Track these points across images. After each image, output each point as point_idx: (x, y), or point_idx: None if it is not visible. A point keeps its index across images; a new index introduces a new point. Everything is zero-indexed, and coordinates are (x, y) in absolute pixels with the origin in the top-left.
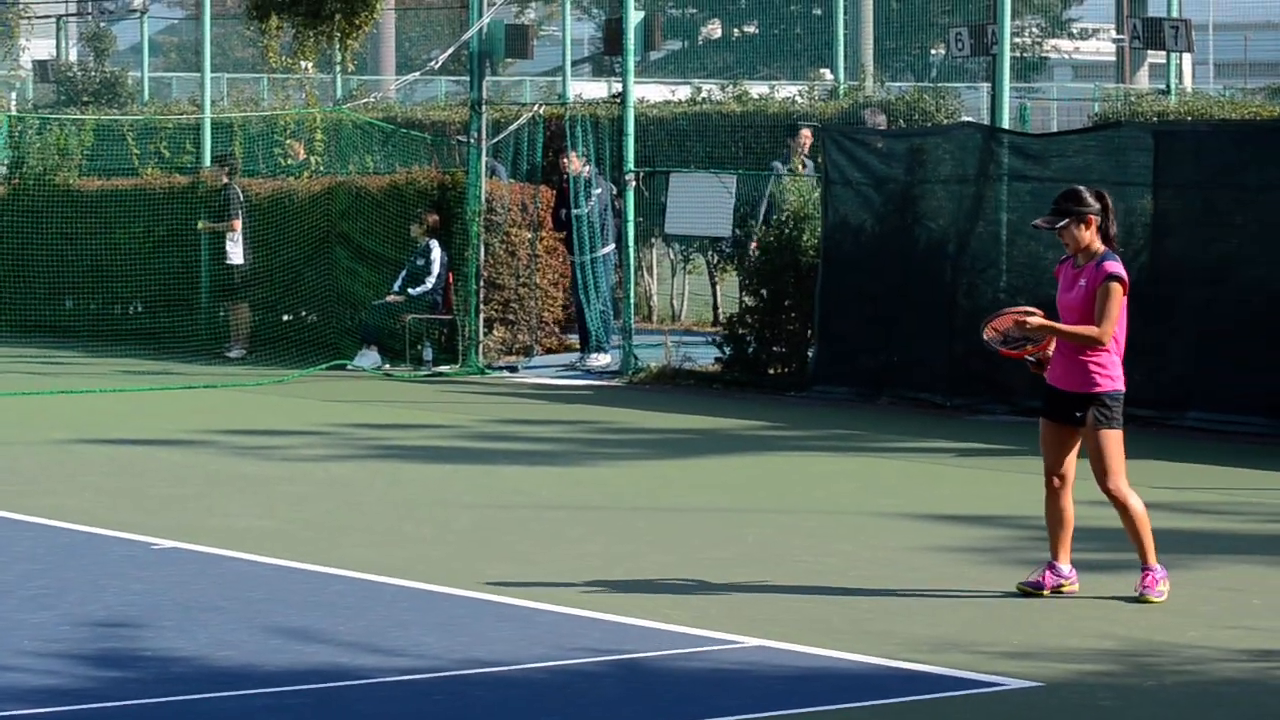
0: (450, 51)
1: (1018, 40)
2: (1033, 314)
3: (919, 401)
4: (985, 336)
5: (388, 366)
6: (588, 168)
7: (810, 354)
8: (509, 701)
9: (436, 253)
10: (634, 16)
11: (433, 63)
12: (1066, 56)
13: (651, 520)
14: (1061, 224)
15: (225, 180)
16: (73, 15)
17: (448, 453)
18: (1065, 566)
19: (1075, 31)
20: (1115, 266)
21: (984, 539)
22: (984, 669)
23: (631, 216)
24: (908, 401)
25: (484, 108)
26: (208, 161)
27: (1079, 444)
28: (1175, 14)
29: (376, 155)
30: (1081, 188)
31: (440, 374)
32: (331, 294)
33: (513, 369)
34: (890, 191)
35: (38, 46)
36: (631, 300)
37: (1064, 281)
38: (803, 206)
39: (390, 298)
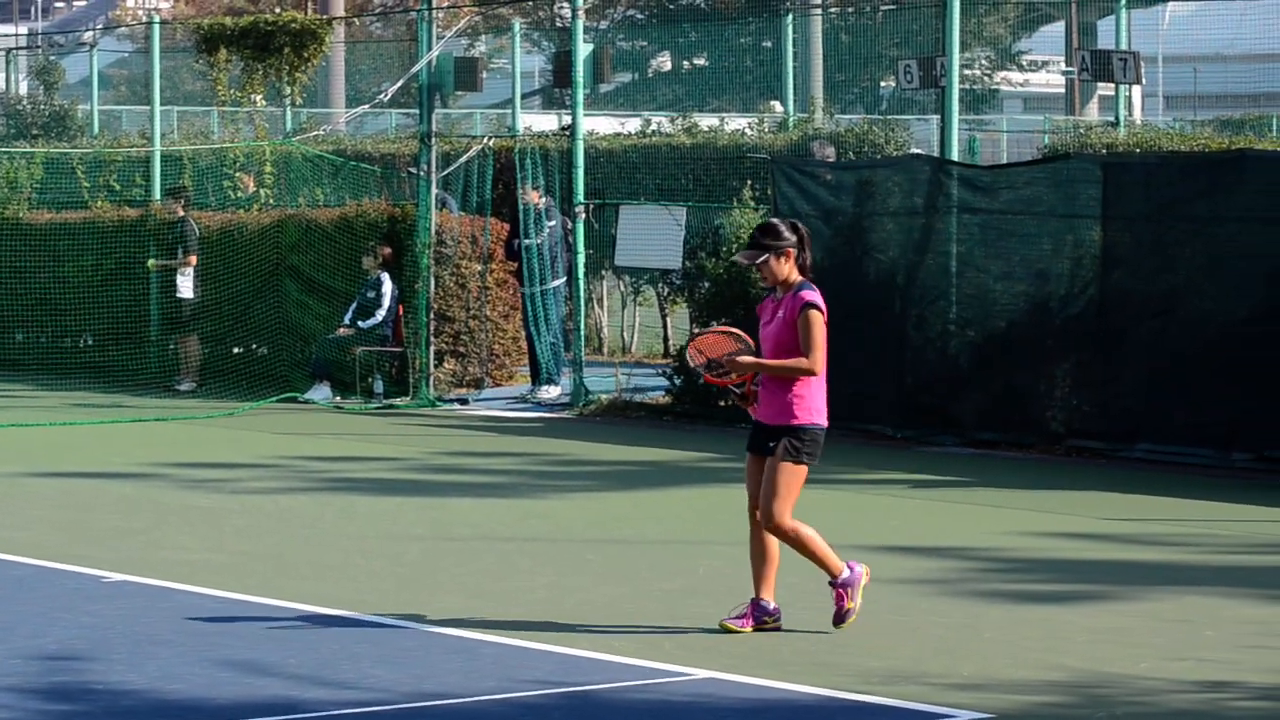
0: (399, 84)
1: (968, 72)
2: (743, 351)
3: (869, 433)
4: (689, 358)
5: (338, 399)
6: (543, 199)
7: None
8: None
9: (387, 285)
10: (583, 49)
11: (382, 95)
12: (1016, 88)
13: (602, 552)
14: (761, 259)
15: (180, 214)
16: (22, 49)
17: (398, 485)
18: (770, 603)
19: (1025, 64)
20: (813, 295)
21: (935, 570)
22: (935, 700)
23: (582, 249)
24: (858, 433)
25: (433, 140)
26: (158, 194)
27: (804, 478)
28: (1124, 46)
29: (326, 188)
30: (777, 221)
31: (391, 406)
32: (282, 326)
33: (463, 401)
34: (839, 224)
35: None
36: (582, 332)
37: (765, 314)
38: None
39: (341, 330)
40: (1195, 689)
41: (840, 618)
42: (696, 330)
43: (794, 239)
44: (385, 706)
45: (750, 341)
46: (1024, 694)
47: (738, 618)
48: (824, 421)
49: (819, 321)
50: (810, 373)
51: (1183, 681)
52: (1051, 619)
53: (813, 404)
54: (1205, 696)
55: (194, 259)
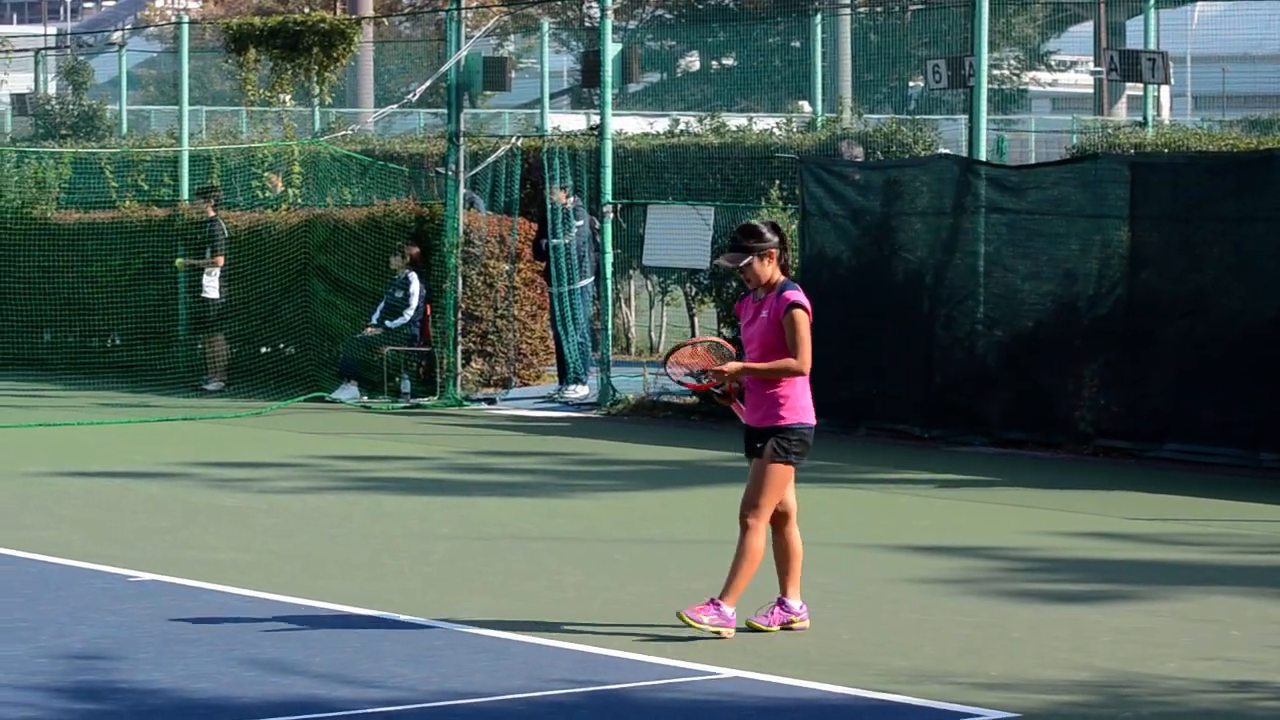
0: (428, 84)
1: (996, 72)
2: (726, 358)
3: (897, 433)
4: (668, 371)
5: (365, 399)
6: (572, 199)
7: None
8: None
9: (415, 285)
10: (612, 49)
11: (411, 95)
12: (1045, 88)
13: (629, 552)
14: (744, 262)
15: (211, 214)
16: (51, 49)
17: (425, 484)
18: (795, 602)
19: (1053, 64)
20: (797, 295)
21: (962, 570)
22: (961, 700)
23: (610, 248)
24: (885, 433)
25: (462, 140)
26: (186, 194)
27: (790, 478)
28: (1152, 47)
29: (354, 188)
30: (758, 222)
31: (418, 406)
32: (309, 326)
33: (491, 401)
34: (867, 223)
35: (16, 80)
36: (609, 332)
37: (747, 314)
38: None
39: (368, 330)
40: (1221, 689)
41: (689, 616)
42: (676, 343)
43: (775, 239)
44: (411, 705)
45: (730, 347)
46: (1050, 693)
47: (765, 616)
48: (811, 420)
49: (804, 321)
50: (799, 373)
51: (1209, 681)
52: (1078, 619)
53: (799, 403)
54: (1231, 696)
55: (221, 260)
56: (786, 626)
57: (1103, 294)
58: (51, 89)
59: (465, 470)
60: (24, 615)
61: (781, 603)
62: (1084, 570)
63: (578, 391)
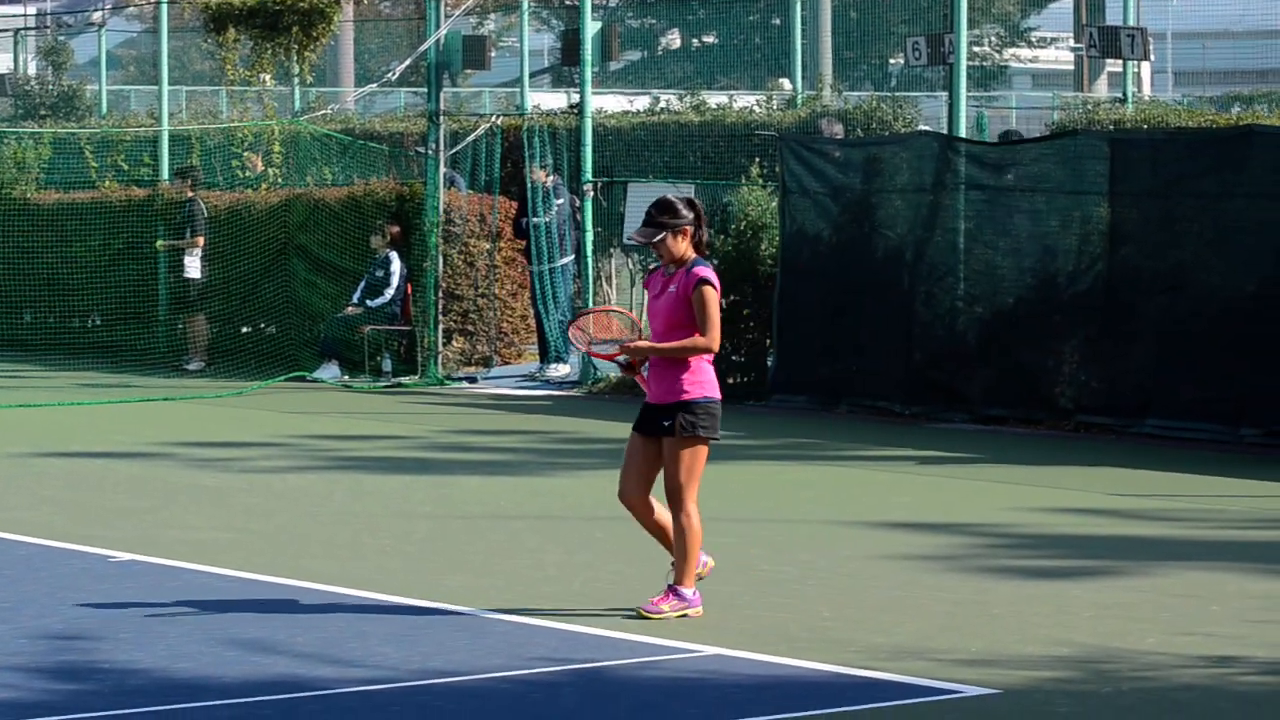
0: (408, 63)
1: (976, 49)
2: (630, 327)
3: (878, 410)
4: (572, 338)
5: (347, 378)
6: (551, 178)
7: (769, 363)
8: (467, 711)
9: (395, 264)
10: (591, 27)
11: (390, 74)
12: (1025, 65)
13: (610, 530)
14: (658, 238)
15: (190, 194)
16: (31, 29)
17: (406, 463)
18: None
19: (1034, 40)
20: (706, 271)
21: (943, 546)
22: (941, 676)
23: (590, 226)
24: (866, 410)
25: (442, 119)
26: (166, 174)
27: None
28: (1132, 23)
29: (334, 167)
30: (673, 197)
31: (399, 385)
32: (290, 306)
33: (472, 379)
34: (847, 200)
35: None
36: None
37: (654, 288)
38: (760, 216)
39: (349, 309)
40: (1202, 664)
41: (648, 610)
42: (579, 308)
43: (690, 216)
44: (393, 684)
45: (634, 318)
46: (1031, 669)
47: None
48: (717, 394)
49: (714, 298)
50: (708, 350)
51: (1189, 656)
52: (1059, 594)
53: (704, 377)
54: (1212, 671)
55: (201, 240)
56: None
57: (1082, 270)
58: (31, 69)
59: (447, 449)
60: (4, 595)
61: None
62: (1065, 546)
63: (559, 370)
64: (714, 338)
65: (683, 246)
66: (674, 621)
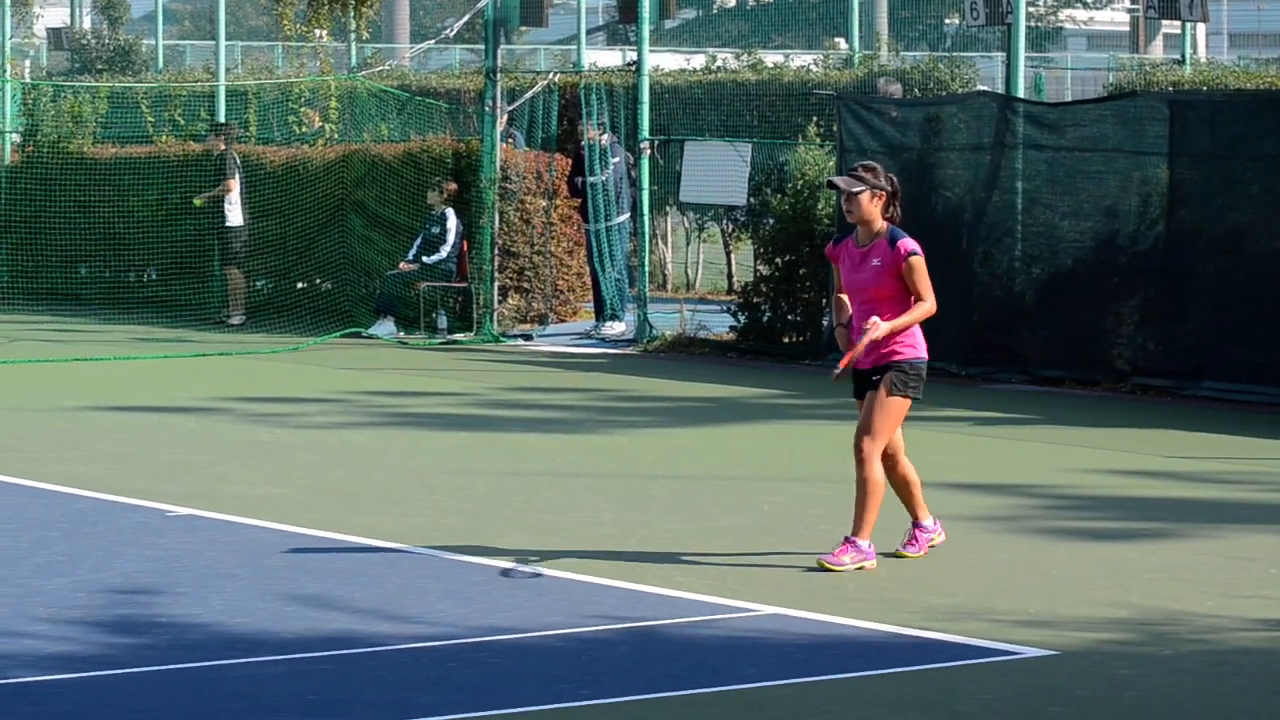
0: (465, 19)
1: (1032, 10)
2: (875, 327)
3: (934, 370)
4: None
5: (402, 334)
6: (605, 136)
7: (825, 322)
8: (524, 669)
9: (452, 221)
10: None
11: (447, 31)
12: (1081, 26)
13: (666, 488)
14: (858, 189)
15: (223, 148)
16: None
17: (463, 420)
18: (928, 520)
19: (1090, 1)
20: (910, 243)
21: (1000, 507)
22: (1000, 637)
23: (646, 185)
24: None
25: (499, 76)
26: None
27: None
28: None
29: (392, 123)
30: (879, 166)
31: (455, 342)
32: (346, 261)
33: (527, 337)
34: (906, 160)
35: (52, 14)
36: (646, 269)
37: (850, 260)
38: (818, 175)
39: (404, 266)
40: (1261, 627)
41: (830, 562)
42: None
43: (889, 189)
44: (451, 641)
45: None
46: (1089, 631)
47: (909, 544)
48: (925, 354)
49: (924, 265)
50: (931, 314)
51: (1248, 619)
52: (1116, 556)
53: (914, 339)
54: (1270, 634)
55: (233, 184)
56: (932, 546)
57: (1141, 231)
58: (87, 24)
59: (502, 406)
60: (61, 549)
61: (918, 526)
62: (1122, 508)
63: (614, 328)
64: (933, 300)
65: (874, 211)
66: (731, 581)
